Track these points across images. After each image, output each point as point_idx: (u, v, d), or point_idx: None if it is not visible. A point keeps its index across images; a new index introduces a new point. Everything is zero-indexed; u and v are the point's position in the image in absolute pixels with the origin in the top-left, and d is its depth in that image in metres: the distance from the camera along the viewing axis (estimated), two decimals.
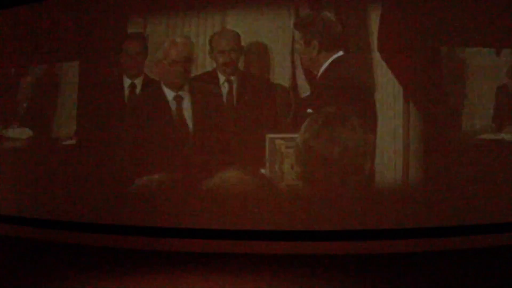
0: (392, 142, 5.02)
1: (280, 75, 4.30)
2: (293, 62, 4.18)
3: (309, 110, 4.13)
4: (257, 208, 4.99)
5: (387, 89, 4.45)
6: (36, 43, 5.77)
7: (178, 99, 4.53)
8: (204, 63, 4.46)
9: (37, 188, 5.94)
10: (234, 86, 4.23)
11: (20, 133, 6.07)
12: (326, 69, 3.92)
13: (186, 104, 4.60)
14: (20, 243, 5.43)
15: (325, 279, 3.73)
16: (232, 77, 4.16)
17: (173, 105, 4.68)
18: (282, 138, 4.54)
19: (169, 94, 4.55)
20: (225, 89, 4.24)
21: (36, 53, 5.76)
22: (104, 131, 5.65)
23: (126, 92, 5.09)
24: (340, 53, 3.95)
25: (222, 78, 4.20)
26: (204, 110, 4.50)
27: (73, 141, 5.74)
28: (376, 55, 4.21)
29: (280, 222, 5.00)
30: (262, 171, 5.02)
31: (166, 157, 5.34)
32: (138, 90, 5.05)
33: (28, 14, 6.00)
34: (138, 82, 4.92)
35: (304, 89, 4.23)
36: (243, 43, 4.13)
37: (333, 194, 4.97)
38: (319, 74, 3.96)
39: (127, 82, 4.95)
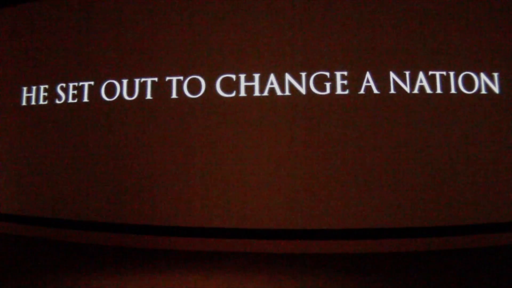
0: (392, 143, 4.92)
1: None
2: None
3: None
4: (257, 208, 4.98)
5: None
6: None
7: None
8: None
9: (37, 187, 5.90)
10: None
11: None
12: None
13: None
14: (21, 242, 5.38)
15: (325, 279, 3.78)
16: None
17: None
18: None
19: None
20: None
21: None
22: (105, 132, 5.51)
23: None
24: None
25: None
26: None
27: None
28: None
29: (280, 221, 4.95)
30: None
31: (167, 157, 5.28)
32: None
33: None
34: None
35: None
36: None
37: (333, 194, 4.93)
38: None
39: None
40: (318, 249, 4.73)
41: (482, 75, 5.12)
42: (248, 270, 4.07)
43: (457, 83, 5.08)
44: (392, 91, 5.02)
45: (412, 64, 5.06)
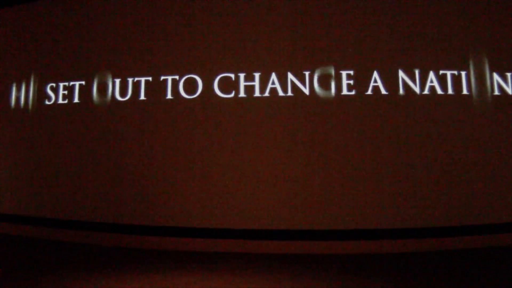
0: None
1: None
2: None
3: None
4: (257, 208, 4.90)
5: None
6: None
7: None
8: None
9: (36, 187, 5.81)
10: None
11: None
12: None
13: None
14: (21, 242, 5.43)
15: (325, 279, 3.79)
16: None
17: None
18: None
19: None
20: None
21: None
22: (105, 131, 5.43)
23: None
24: None
25: None
26: None
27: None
28: None
29: (280, 222, 4.87)
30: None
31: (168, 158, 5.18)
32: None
33: None
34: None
35: None
36: None
37: (334, 196, 4.85)
38: None
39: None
40: (318, 250, 4.67)
41: (495, 75, 4.97)
42: (248, 271, 4.05)
43: (469, 83, 4.88)
44: (401, 91, 4.84)
45: (422, 63, 4.88)
